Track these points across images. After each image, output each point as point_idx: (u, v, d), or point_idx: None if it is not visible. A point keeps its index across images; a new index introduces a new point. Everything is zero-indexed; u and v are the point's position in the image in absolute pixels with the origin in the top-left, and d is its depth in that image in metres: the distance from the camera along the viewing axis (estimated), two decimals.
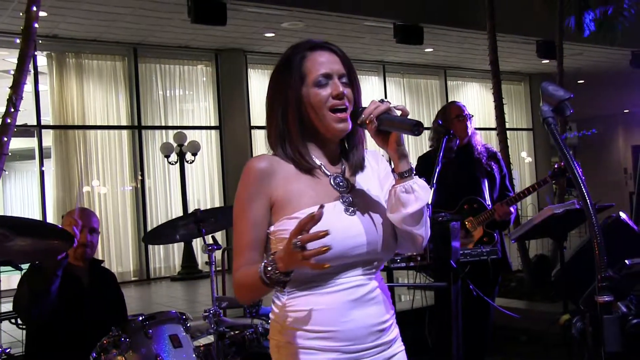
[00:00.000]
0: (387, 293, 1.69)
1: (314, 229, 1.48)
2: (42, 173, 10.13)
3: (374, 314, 1.61)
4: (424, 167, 3.58)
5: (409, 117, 1.58)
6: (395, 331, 1.68)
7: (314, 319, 1.56)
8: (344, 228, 1.57)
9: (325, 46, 1.68)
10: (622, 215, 3.69)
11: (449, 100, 14.73)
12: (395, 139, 1.58)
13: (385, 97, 13.51)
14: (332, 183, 1.65)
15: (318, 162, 1.67)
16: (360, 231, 1.59)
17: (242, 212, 1.61)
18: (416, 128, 1.50)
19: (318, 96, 1.62)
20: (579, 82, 15.68)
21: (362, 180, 1.71)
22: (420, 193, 1.60)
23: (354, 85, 1.68)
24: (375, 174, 1.75)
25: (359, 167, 1.72)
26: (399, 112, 1.56)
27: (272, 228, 1.60)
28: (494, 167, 4.02)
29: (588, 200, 1.28)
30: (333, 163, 1.70)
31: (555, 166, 3.79)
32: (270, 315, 1.66)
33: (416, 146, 12.44)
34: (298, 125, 1.64)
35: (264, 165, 1.63)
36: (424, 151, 4.31)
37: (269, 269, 1.45)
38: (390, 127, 1.57)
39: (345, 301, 1.57)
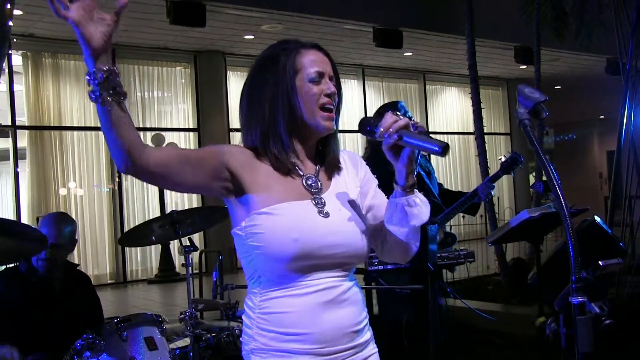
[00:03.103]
0: (361, 295, 1.67)
1: (282, 221, 1.52)
2: (16, 174, 9.98)
3: (348, 316, 1.59)
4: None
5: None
6: (368, 333, 1.66)
7: (287, 321, 1.54)
8: (313, 228, 1.55)
9: (317, 47, 1.69)
10: (597, 219, 3.72)
11: (427, 104, 14.88)
12: (410, 156, 1.55)
13: (365, 101, 13.59)
14: (305, 184, 1.63)
15: (294, 161, 1.65)
16: (330, 232, 1.56)
17: (202, 149, 1.67)
18: (446, 150, 1.44)
19: (311, 91, 1.62)
20: (555, 87, 15.86)
21: (337, 183, 1.69)
22: (422, 208, 1.59)
23: (338, 88, 1.69)
24: (351, 177, 1.73)
25: (334, 169, 1.71)
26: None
27: (243, 224, 1.57)
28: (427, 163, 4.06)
29: (563, 201, 1.28)
30: (309, 162, 1.69)
31: (503, 158, 3.79)
32: (243, 317, 1.63)
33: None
34: (288, 116, 1.62)
35: (242, 150, 1.64)
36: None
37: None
38: (414, 145, 1.52)
39: (318, 302, 1.54)
